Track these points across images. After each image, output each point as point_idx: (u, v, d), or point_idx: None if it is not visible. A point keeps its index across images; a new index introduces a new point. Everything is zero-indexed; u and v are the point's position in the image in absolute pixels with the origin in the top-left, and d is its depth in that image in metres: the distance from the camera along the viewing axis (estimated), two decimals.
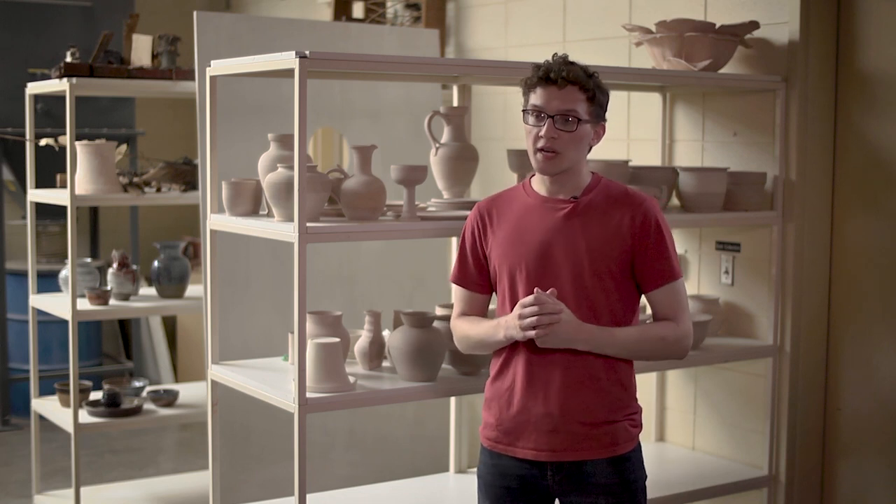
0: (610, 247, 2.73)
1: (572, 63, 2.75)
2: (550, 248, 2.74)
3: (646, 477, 2.86)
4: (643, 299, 2.91)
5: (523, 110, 2.78)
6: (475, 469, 4.05)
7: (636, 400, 2.84)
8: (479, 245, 2.88)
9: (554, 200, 2.79)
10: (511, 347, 2.79)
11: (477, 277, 2.90)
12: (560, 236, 2.74)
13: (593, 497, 2.75)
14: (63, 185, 4.85)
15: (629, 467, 2.78)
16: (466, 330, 2.89)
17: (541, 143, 2.72)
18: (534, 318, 2.64)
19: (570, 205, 2.77)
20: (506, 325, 2.73)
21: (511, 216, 2.83)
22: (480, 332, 2.84)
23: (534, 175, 2.87)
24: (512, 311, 2.74)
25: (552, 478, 2.76)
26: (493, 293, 2.92)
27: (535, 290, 2.68)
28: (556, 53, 2.80)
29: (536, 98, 2.74)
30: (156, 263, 4.93)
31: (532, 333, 2.66)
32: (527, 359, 2.75)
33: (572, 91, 2.71)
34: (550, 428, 2.73)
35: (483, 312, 2.94)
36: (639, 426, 2.83)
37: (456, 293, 2.96)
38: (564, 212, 2.76)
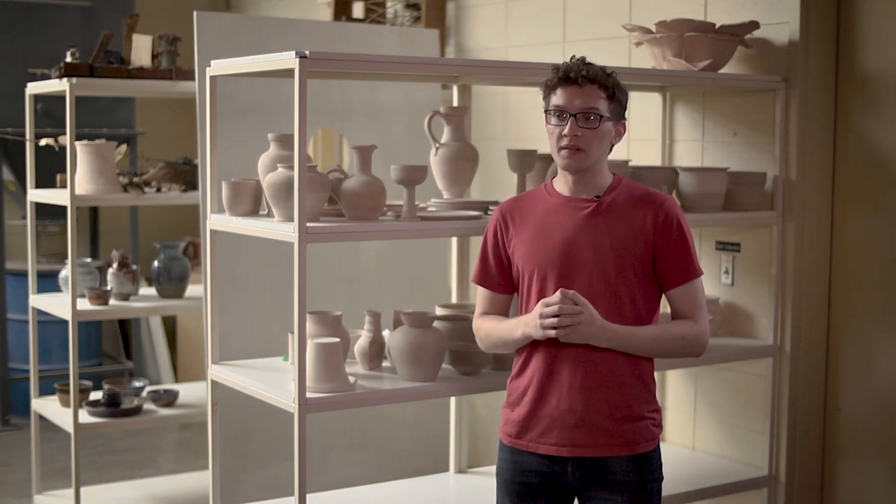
0: (633, 245, 2.78)
1: (591, 63, 2.81)
2: (575, 246, 2.79)
3: (662, 478, 2.88)
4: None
5: (545, 111, 2.82)
6: (475, 469, 4.08)
7: (656, 399, 2.88)
8: (501, 246, 2.92)
9: (577, 200, 2.83)
10: (532, 345, 2.82)
11: (499, 278, 2.94)
12: (584, 235, 2.79)
13: (610, 493, 2.78)
14: (63, 185, 4.85)
15: (649, 466, 2.82)
16: (488, 329, 2.93)
17: (564, 142, 2.76)
18: (554, 319, 2.68)
19: (593, 203, 2.81)
20: (524, 323, 2.77)
21: (534, 217, 2.87)
22: (500, 330, 2.88)
23: (555, 176, 2.91)
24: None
25: (573, 473, 2.79)
26: (515, 293, 2.95)
27: (560, 290, 2.71)
28: (574, 55, 2.86)
29: (558, 98, 2.79)
30: (156, 263, 4.93)
31: (552, 333, 2.70)
32: (548, 356, 2.78)
33: (593, 89, 2.76)
34: (573, 423, 2.77)
35: (505, 312, 2.97)
36: (660, 426, 2.87)
37: (478, 293, 2.99)
38: (588, 211, 2.81)
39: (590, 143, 2.76)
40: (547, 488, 2.83)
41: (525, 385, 2.84)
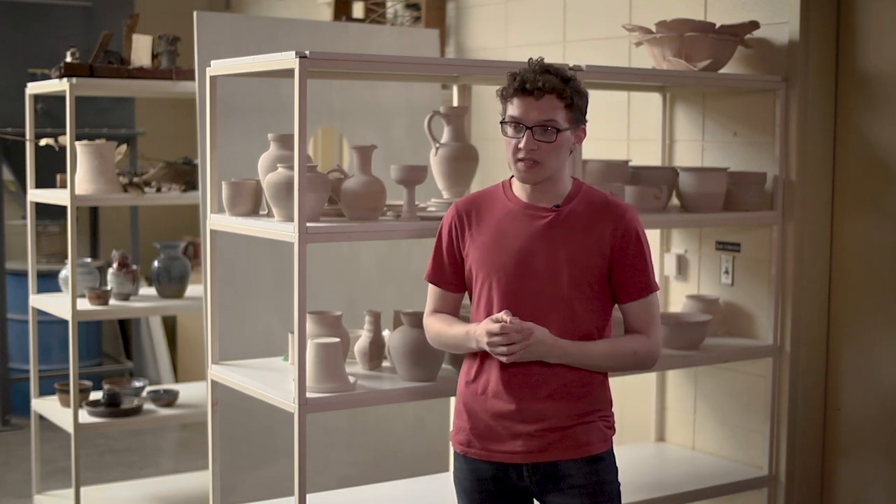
0: (590, 257, 2.72)
1: (547, 70, 2.71)
2: (530, 256, 2.73)
3: (619, 483, 2.83)
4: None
5: (501, 122, 2.74)
6: None
7: (610, 403, 2.83)
8: (455, 245, 2.86)
9: (535, 208, 2.77)
10: (483, 352, 2.77)
11: (451, 277, 2.88)
12: (540, 245, 2.73)
13: (569, 497, 2.75)
14: (63, 185, 4.85)
15: (604, 468, 2.77)
16: (438, 329, 2.88)
17: (521, 155, 2.69)
18: (504, 348, 2.65)
19: (551, 213, 2.75)
20: (476, 335, 2.72)
21: (491, 220, 2.80)
22: (452, 335, 2.83)
23: (514, 176, 2.84)
24: (486, 317, 2.74)
25: (529, 478, 2.76)
26: (466, 292, 2.90)
27: (503, 314, 2.66)
28: (531, 58, 2.77)
29: (514, 109, 2.70)
30: (156, 263, 4.93)
31: (503, 359, 2.67)
32: (500, 364, 2.74)
33: (550, 100, 2.67)
34: (525, 430, 2.73)
35: (455, 311, 2.93)
36: (612, 428, 2.82)
37: (430, 291, 2.94)
38: (546, 220, 2.74)
39: (547, 155, 2.68)
40: (505, 494, 2.80)
41: (476, 392, 2.79)
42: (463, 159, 3.59)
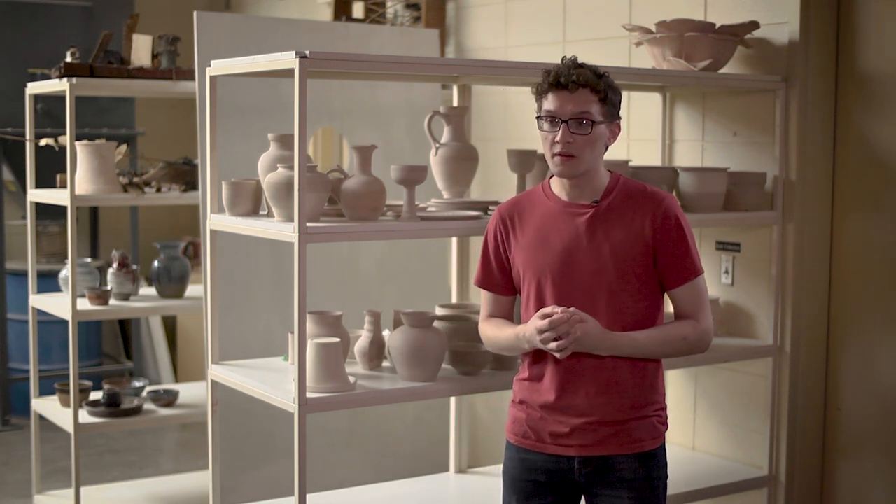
0: (633, 249, 2.76)
1: (582, 65, 2.77)
2: (574, 254, 2.77)
3: (666, 477, 2.89)
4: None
5: (537, 117, 2.79)
6: (475, 469, 4.08)
7: (664, 397, 2.88)
8: (501, 249, 2.91)
9: (575, 205, 2.81)
10: (537, 348, 2.81)
11: (501, 280, 2.93)
12: (583, 242, 2.77)
13: (617, 491, 2.79)
14: (63, 185, 4.85)
15: (655, 464, 2.83)
16: (491, 335, 2.93)
17: (557, 149, 2.74)
18: (554, 343, 2.69)
19: (591, 209, 2.80)
20: (527, 336, 2.76)
21: (533, 221, 2.85)
22: (504, 338, 2.88)
23: (553, 176, 2.89)
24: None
25: (579, 471, 2.80)
26: (518, 294, 2.94)
27: (551, 308, 2.71)
28: (564, 57, 2.83)
29: (549, 104, 2.76)
30: (156, 263, 4.94)
31: (558, 355, 2.71)
32: (554, 358, 2.78)
33: (584, 94, 2.73)
34: (580, 423, 2.77)
35: (509, 313, 2.97)
36: (665, 424, 2.87)
37: (482, 296, 2.99)
38: (586, 217, 2.79)
39: (583, 148, 2.74)
40: (554, 486, 2.84)
41: (532, 385, 2.85)
42: (463, 159, 3.60)
